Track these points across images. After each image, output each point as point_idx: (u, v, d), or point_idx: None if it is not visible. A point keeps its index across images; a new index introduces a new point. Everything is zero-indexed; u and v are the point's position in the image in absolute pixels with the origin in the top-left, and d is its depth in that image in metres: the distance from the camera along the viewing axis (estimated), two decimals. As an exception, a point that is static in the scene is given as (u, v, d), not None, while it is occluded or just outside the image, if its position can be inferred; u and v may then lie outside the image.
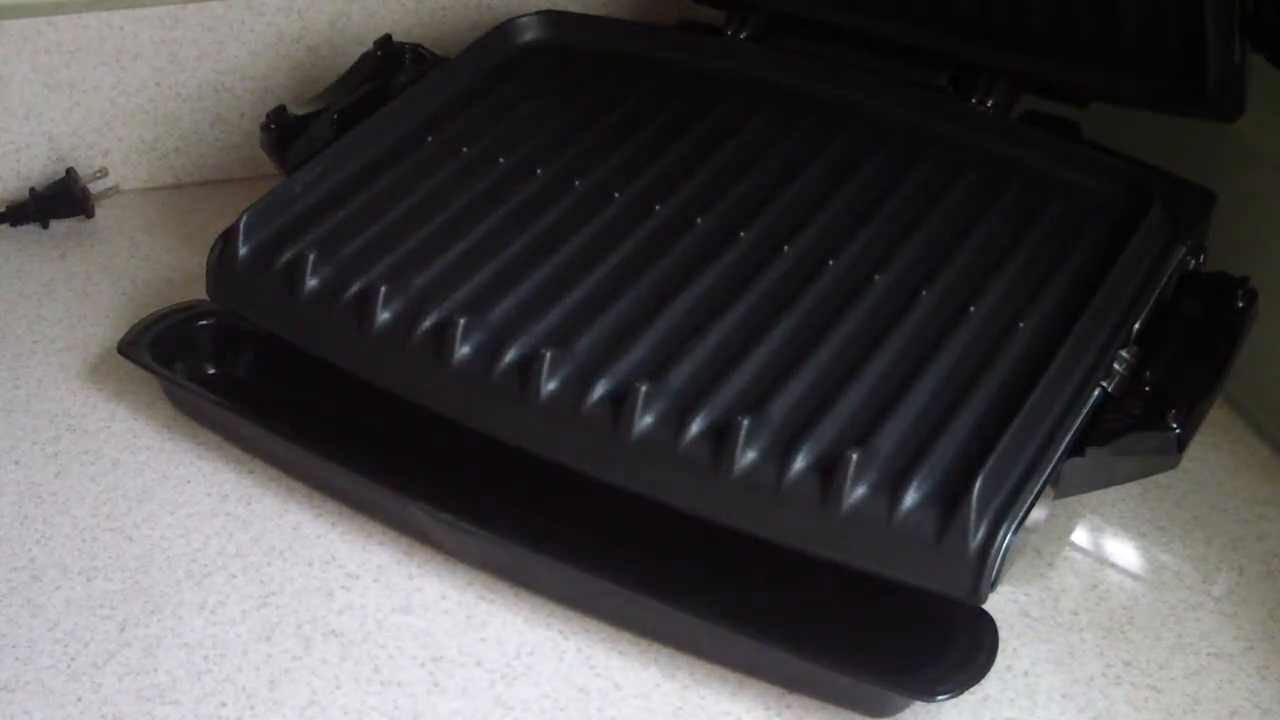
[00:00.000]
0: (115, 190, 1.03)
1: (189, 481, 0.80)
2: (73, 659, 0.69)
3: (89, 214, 1.00)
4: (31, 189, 1.00)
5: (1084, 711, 0.69)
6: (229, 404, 0.81)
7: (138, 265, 0.97)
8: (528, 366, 0.73)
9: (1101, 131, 0.89)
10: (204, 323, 0.85)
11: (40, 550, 0.75)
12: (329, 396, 0.81)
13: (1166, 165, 0.85)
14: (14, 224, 0.99)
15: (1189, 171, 0.85)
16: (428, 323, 0.76)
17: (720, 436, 0.70)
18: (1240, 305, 0.78)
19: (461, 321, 0.75)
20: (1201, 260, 0.82)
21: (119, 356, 0.82)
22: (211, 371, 0.84)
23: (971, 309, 0.76)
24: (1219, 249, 0.83)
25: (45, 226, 1.00)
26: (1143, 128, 0.88)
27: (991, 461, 0.67)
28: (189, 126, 1.04)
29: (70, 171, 1.01)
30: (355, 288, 0.78)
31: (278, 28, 1.03)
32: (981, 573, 0.65)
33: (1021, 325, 0.76)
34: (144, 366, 0.82)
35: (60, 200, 1.00)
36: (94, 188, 1.01)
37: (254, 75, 1.04)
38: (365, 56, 0.97)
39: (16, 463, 0.80)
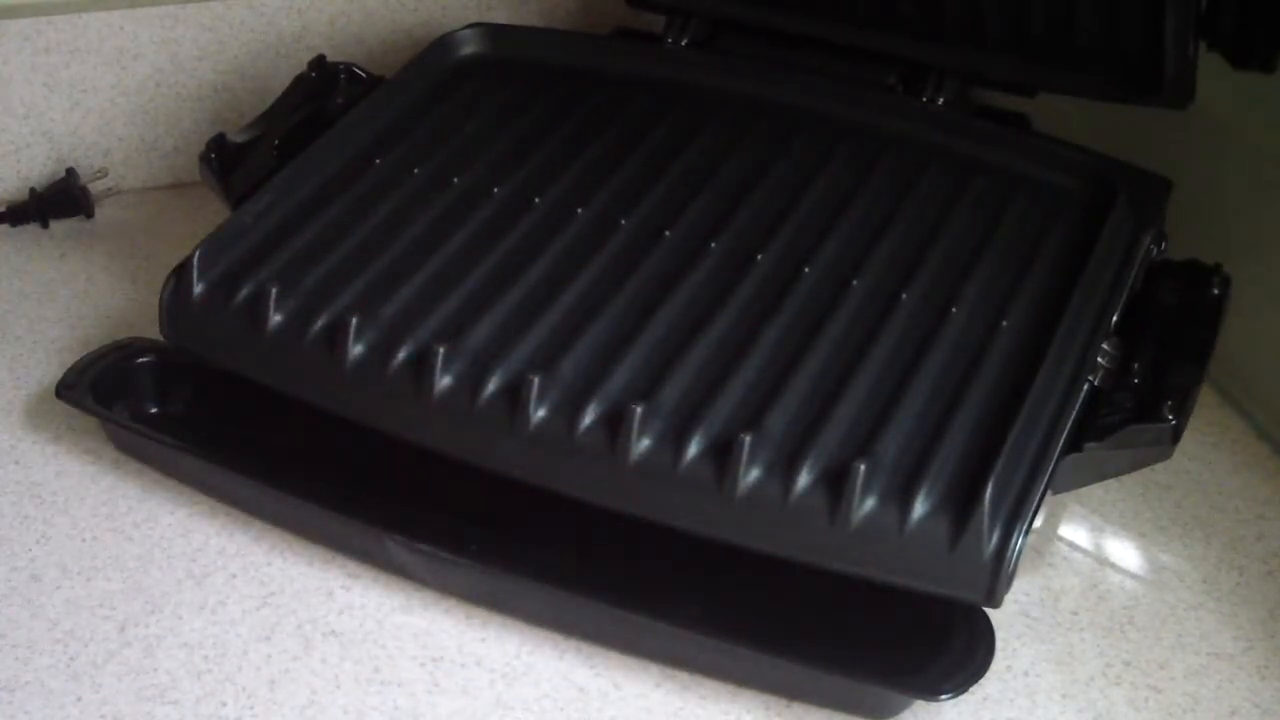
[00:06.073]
0: (115, 190, 1.03)
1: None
2: (73, 659, 0.69)
3: (89, 214, 1.00)
4: (31, 189, 1.00)
5: (1084, 711, 0.69)
6: (178, 444, 0.78)
7: (138, 265, 0.96)
8: (515, 393, 0.71)
9: (1044, 106, 0.90)
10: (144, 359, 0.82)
11: (40, 550, 0.75)
12: (296, 430, 0.78)
13: (1116, 143, 0.86)
14: (14, 224, 0.99)
15: (1140, 148, 0.86)
16: (403, 353, 0.73)
17: (721, 455, 0.69)
18: (1216, 292, 0.78)
19: (440, 350, 0.72)
20: (1163, 248, 0.82)
21: (119, 356, 0.82)
22: (153, 410, 0.81)
23: (953, 309, 0.76)
24: (1197, 234, 0.84)
25: (45, 226, 1.00)
26: (1089, 107, 0.89)
27: (999, 465, 0.67)
28: (189, 126, 1.04)
29: (70, 171, 1.00)
30: (323, 321, 0.75)
31: (278, 28, 1.03)
32: (998, 577, 0.65)
33: (1004, 323, 0.76)
34: (85, 410, 0.79)
35: (60, 200, 1.00)
36: (94, 188, 1.01)
37: (254, 75, 1.04)
38: (299, 79, 0.94)
39: (16, 462, 0.80)
